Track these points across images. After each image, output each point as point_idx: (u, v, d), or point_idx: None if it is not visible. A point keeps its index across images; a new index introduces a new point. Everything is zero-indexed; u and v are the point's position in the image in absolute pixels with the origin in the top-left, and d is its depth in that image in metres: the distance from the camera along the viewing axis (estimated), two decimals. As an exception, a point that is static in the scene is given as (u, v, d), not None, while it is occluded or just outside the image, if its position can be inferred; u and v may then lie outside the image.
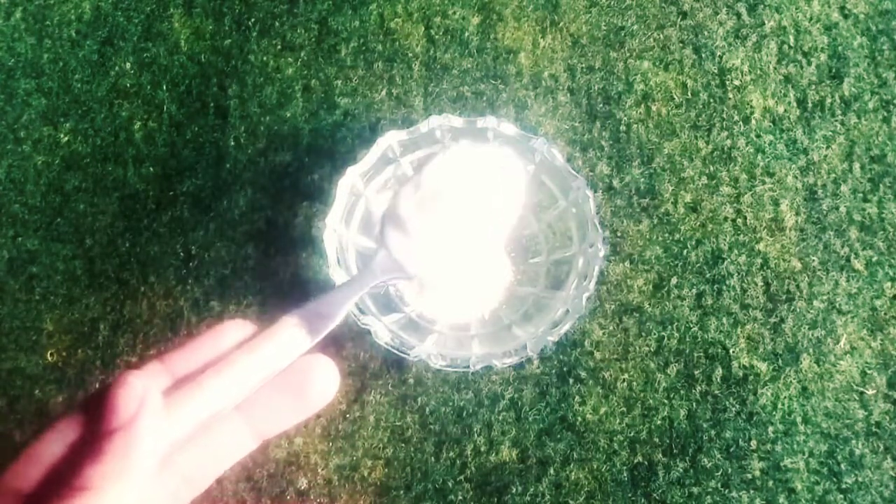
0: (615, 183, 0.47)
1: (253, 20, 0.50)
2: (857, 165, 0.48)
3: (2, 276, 0.46)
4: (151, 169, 0.48)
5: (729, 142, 0.48)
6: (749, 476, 0.43)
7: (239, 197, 0.47)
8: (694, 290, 0.46)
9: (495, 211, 0.38)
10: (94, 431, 0.26)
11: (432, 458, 0.43)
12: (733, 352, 0.45)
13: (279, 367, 0.27)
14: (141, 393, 0.25)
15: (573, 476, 0.43)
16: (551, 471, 0.43)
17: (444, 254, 0.37)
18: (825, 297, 0.45)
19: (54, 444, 0.26)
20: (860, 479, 0.43)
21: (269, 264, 0.46)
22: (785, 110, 0.49)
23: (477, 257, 0.39)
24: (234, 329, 0.28)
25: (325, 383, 0.28)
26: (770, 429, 0.44)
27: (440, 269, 0.37)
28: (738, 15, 0.50)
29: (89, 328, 0.45)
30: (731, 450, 0.43)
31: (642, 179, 0.47)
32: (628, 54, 0.49)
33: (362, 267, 0.43)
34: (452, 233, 0.37)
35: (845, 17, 0.50)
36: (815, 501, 0.43)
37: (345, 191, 0.41)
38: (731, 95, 0.49)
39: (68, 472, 0.25)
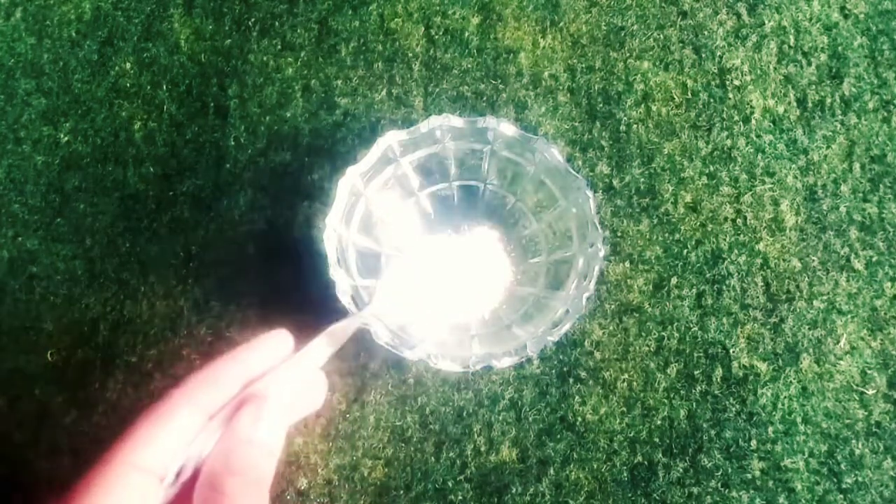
0: (615, 183, 0.47)
1: (253, 20, 0.50)
2: (857, 165, 0.48)
3: (2, 276, 0.46)
4: (151, 169, 0.48)
5: (729, 142, 0.48)
6: (749, 476, 0.43)
7: (239, 197, 0.47)
8: (694, 290, 0.46)
9: (477, 288, 0.45)
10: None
11: (432, 458, 0.43)
12: (733, 352, 0.45)
13: (320, 364, 0.35)
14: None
15: (573, 476, 0.43)
16: (551, 471, 0.43)
17: (431, 318, 0.44)
18: (825, 297, 0.45)
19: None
20: (860, 479, 0.43)
21: (269, 264, 0.46)
22: (785, 110, 0.49)
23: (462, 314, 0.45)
24: (278, 339, 0.35)
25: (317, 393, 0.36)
26: (770, 429, 0.44)
27: (427, 330, 0.44)
28: (738, 15, 0.50)
29: (89, 328, 0.45)
30: (731, 450, 0.43)
31: (642, 179, 0.47)
32: (628, 54, 0.49)
33: (362, 267, 0.43)
34: (438, 302, 0.44)
35: (845, 17, 0.50)
36: (815, 501, 0.43)
37: (345, 191, 0.41)
38: (731, 95, 0.49)
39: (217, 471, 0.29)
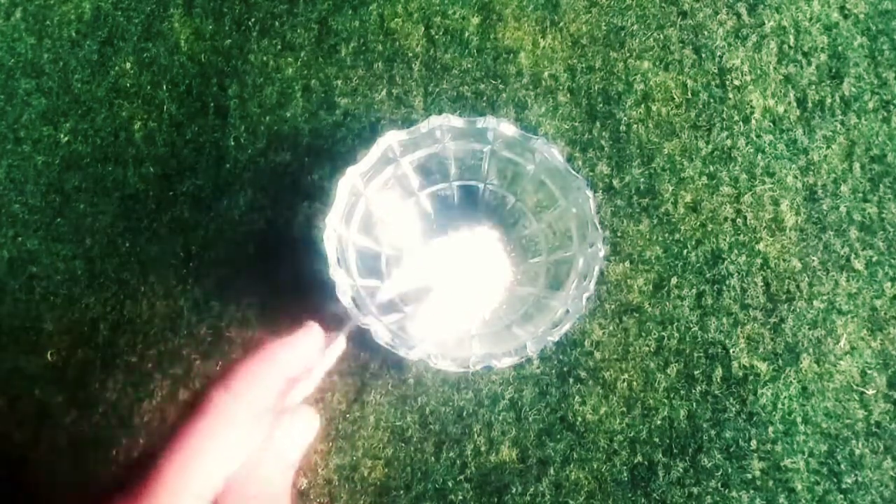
0: (615, 183, 0.47)
1: (253, 20, 0.50)
2: (857, 165, 0.48)
3: (2, 276, 0.46)
4: (151, 169, 0.48)
5: (729, 142, 0.48)
6: (749, 476, 0.43)
7: (239, 197, 0.47)
8: (694, 290, 0.46)
9: (480, 286, 0.45)
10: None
11: (432, 458, 0.43)
12: (733, 352, 0.45)
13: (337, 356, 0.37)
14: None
15: (573, 476, 0.43)
16: (551, 471, 0.43)
17: (431, 318, 0.44)
18: (825, 297, 0.45)
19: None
20: (860, 479, 0.43)
21: (269, 264, 0.46)
22: (785, 110, 0.49)
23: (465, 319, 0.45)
24: (312, 334, 0.35)
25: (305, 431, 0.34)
26: (770, 429, 0.44)
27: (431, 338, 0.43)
28: (738, 15, 0.50)
29: (89, 328, 0.45)
30: (731, 450, 0.43)
31: (642, 179, 0.47)
32: (628, 54, 0.49)
33: (362, 267, 0.43)
34: (441, 304, 0.44)
35: (845, 17, 0.50)
36: (815, 501, 0.43)
37: (345, 191, 0.41)
38: (731, 95, 0.49)
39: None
